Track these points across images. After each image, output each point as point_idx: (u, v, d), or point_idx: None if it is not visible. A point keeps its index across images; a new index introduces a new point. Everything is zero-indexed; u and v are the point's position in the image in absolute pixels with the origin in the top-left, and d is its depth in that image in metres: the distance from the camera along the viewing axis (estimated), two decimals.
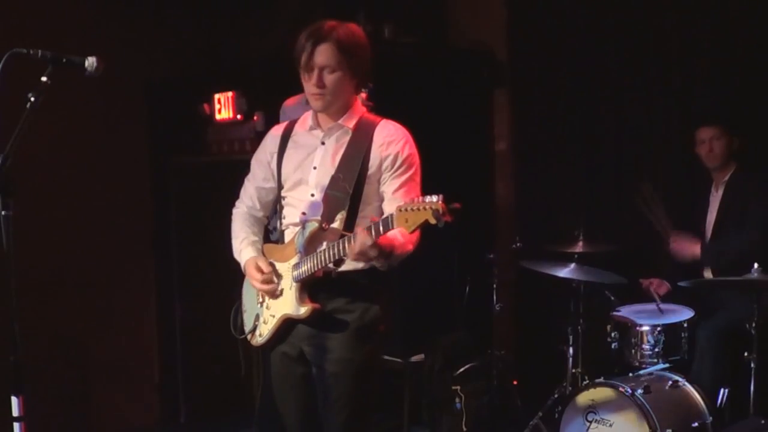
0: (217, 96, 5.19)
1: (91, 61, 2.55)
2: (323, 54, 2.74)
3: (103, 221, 5.27)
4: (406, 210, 2.39)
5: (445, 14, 5.62)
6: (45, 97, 2.48)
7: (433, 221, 2.34)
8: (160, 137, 5.62)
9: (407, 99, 4.70)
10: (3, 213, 2.38)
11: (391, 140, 2.81)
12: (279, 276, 2.87)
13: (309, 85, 2.79)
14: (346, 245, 2.59)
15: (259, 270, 2.87)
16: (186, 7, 5.58)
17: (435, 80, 5.13)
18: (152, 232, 5.68)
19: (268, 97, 4.84)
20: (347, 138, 2.83)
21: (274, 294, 2.86)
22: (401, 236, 2.64)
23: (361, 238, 2.51)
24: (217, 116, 5.21)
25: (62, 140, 4.96)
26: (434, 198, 2.34)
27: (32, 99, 2.47)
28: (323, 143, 2.86)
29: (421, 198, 2.38)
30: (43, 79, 2.49)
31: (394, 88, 4.47)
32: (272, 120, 4.55)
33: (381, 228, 2.48)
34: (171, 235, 5.61)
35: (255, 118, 4.97)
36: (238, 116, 5.10)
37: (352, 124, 2.84)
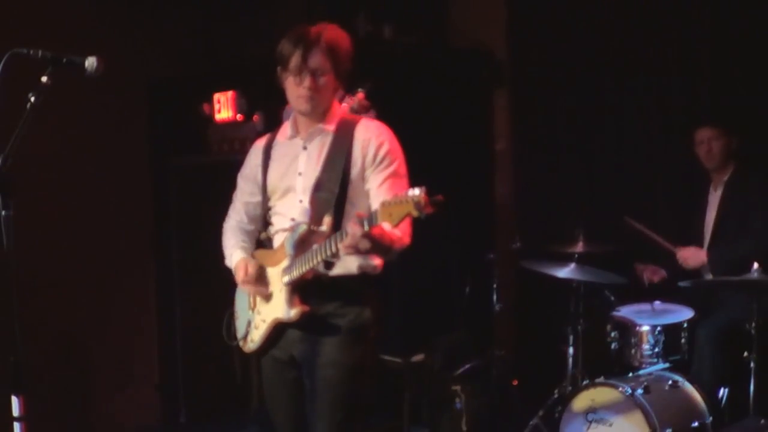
0: (217, 96, 5.19)
1: (91, 61, 2.54)
2: (316, 58, 2.77)
3: (103, 221, 5.28)
4: (389, 204, 2.39)
5: (445, 14, 5.62)
6: (45, 97, 2.48)
7: (415, 213, 2.34)
8: (160, 137, 5.62)
9: (407, 99, 4.71)
10: (3, 213, 2.38)
11: (370, 137, 2.81)
12: (268, 281, 2.87)
13: (299, 88, 2.80)
14: (334, 244, 2.59)
15: (245, 270, 2.88)
16: (186, 7, 5.59)
17: (435, 80, 5.12)
18: (152, 232, 5.68)
19: (268, 97, 4.81)
20: (329, 140, 2.84)
21: (264, 296, 2.87)
22: (398, 230, 2.64)
23: (352, 230, 2.50)
24: (217, 116, 5.21)
25: (62, 140, 4.96)
26: (416, 191, 2.34)
27: (32, 99, 2.47)
28: (305, 148, 2.87)
29: (404, 192, 2.39)
30: (43, 79, 2.49)
31: (394, 88, 4.47)
32: (272, 120, 4.56)
33: (366, 224, 2.48)
34: (171, 235, 5.61)
35: (255, 118, 4.98)
36: (238, 116, 5.10)
37: (332, 126, 2.86)
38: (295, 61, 2.76)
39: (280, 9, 5.68)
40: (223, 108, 5.17)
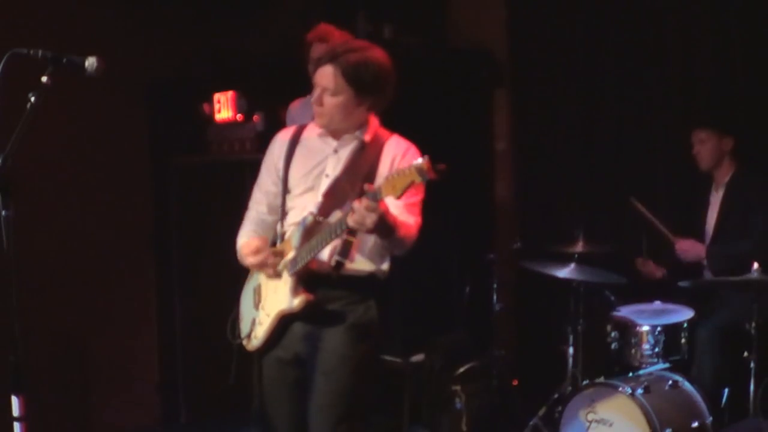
0: (217, 96, 5.19)
1: (91, 62, 2.54)
2: (325, 76, 2.78)
3: (103, 221, 5.27)
4: (392, 178, 2.42)
5: (445, 14, 5.62)
6: (45, 97, 2.48)
7: (418, 179, 2.37)
8: (160, 137, 5.62)
9: (407, 99, 4.68)
10: (3, 213, 2.38)
11: (399, 151, 2.83)
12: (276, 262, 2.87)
13: (313, 104, 2.84)
14: (340, 227, 2.60)
15: (256, 250, 2.86)
16: (186, 8, 5.58)
17: (435, 80, 5.12)
18: (152, 232, 5.68)
19: (268, 97, 4.85)
20: (360, 148, 2.84)
21: (275, 271, 2.85)
22: (403, 217, 2.67)
23: (360, 203, 2.50)
24: (217, 116, 5.21)
25: (62, 140, 4.97)
26: (419, 159, 2.39)
27: (32, 99, 2.47)
28: (336, 152, 2.86)
29: (407, 164, 2.42)
30: (44, 79, 2.49)
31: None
32: (272, 120, 4.56)
33: (372, 199, 2.50)
34: (171, 235, 5.61)
35: (255, 118, 4.98)
36: (238, 116, 5.10)
37: (368, 137, 2.85)
38: (312, 73, 2.83)
39: (279, 9, 5.69)
40: (223, 108, 5.17)
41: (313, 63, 2.84)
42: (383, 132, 2.91)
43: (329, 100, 2.78)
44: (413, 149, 2.86)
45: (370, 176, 2.76)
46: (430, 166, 2.35)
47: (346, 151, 2.85)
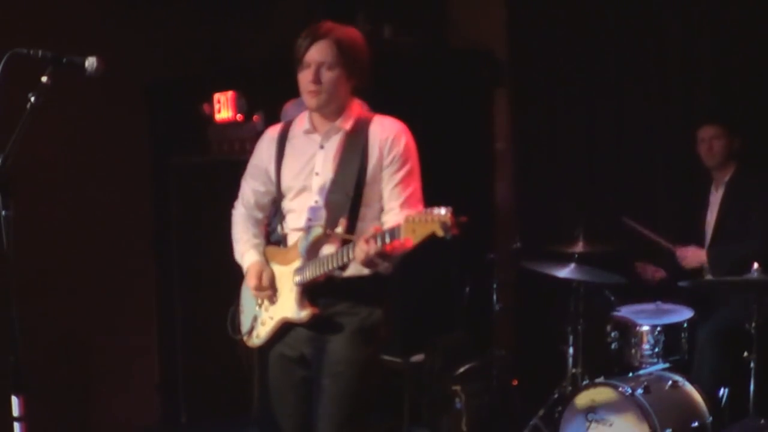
0: (217, 96, 5.20)
1: (91, 61, 2.54)
2: (321, 50, 2.75)
3: (103, 221, 5.28)
4: (413, 221, 2.39)
5: (445, 14, 5.62)
6: (45, 97, 2.48)
7: (440, 233, 2.35)
8: (160, 137, 5.63)
9: (407, 99, 4.71)
10: (3, 213, 2.38)
11: (387, 136, 2.80)
12: (277, 287, 2.87)
13: (305, 82, 2.78)
14: (347, 255, 2.60)
15: (259, 278, 2.87)
16: (186, 7, 5.59)
17: (435, 80, 5.12)
18: (152, 232, 5.68)
19: (268, 97, 4.84)
20: (345, 139, 2.83)
21: (271, 299, 2.88)
22: None
23: (365, 248, 2.52)
24: (217, 116, 5.22)
25: (62, 140, 4.97)
26: (442, 211, 2.35)
27: (32, 99, 2.47)
28: (322, 147, 2.85)
29: (429, 209, 2.39)
30: (44, 79, 2.49)
31: (393, 88, 4.47)
32: (272, 120, 4.54)
33: (388, 238, 2.49)
34: (171, 235, 5.61)
35: (255, 118, 4.98)
36: (238, 116, 5.11)
37: (348, 125, 2.83)
38: (302, 53, 2.77)
39: (279, 9, 5.69)
40: (223, 108, 5.17)
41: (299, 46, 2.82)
42: (365, 114, 2.88)
43: (327, 75, 2.76)
44: (399, 130, 2.82)
45: (362, 169, 2.76)
46: (453, 222, 2.33)
47: (331, 146, 2.83)
